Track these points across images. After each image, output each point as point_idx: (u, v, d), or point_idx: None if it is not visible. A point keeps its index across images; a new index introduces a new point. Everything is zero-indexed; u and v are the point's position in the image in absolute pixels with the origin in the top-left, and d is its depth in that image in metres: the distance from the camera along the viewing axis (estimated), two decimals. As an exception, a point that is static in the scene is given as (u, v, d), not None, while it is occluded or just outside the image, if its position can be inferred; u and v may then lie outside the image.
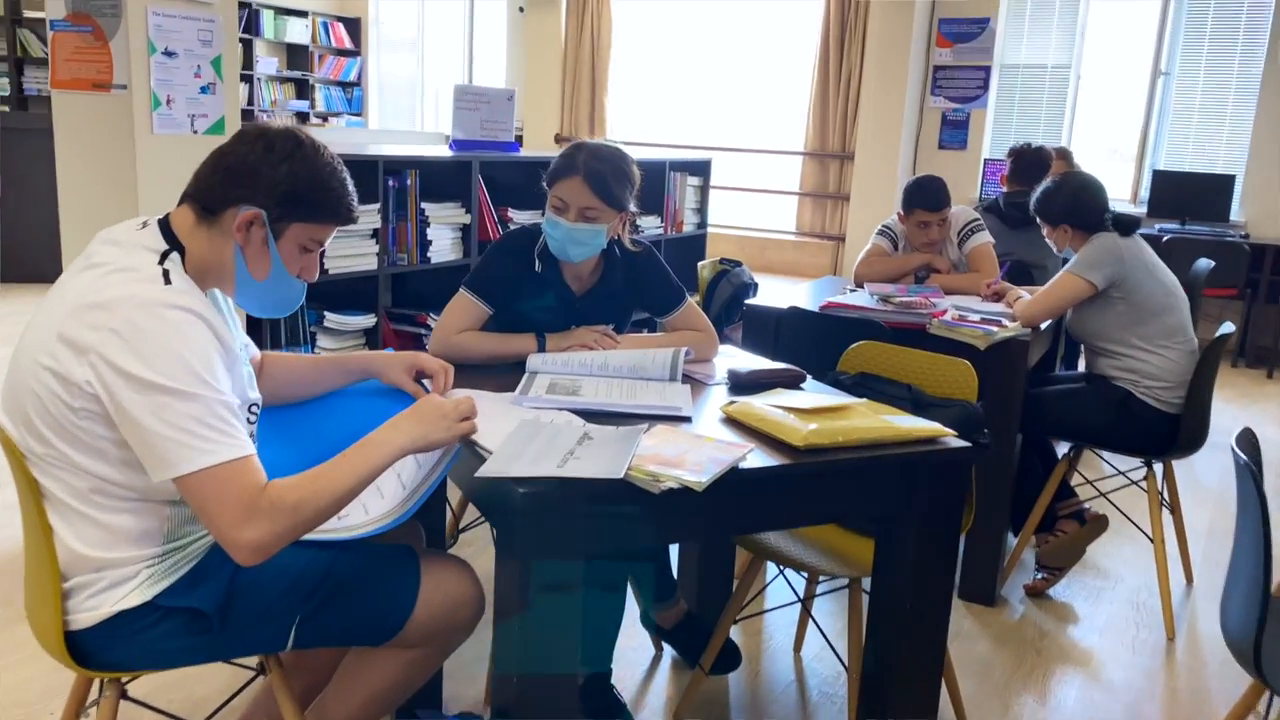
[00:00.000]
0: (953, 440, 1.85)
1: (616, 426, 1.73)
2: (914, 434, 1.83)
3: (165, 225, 1.54)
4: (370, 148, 3.86)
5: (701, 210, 5.20)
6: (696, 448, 1.67)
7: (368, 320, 3.35)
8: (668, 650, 2.62)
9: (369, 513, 1.67)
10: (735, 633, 2.70)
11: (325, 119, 10.62)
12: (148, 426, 1.37)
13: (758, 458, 1.70)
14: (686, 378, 2.17)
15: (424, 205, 3.51)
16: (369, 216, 3.26)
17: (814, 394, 2.06)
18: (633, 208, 2.24)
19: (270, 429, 1.89)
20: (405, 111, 11.36)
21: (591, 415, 1.87)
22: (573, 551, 1.56)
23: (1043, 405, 3.11)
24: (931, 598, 1.89)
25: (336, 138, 4.99)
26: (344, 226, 1.64)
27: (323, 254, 1.66)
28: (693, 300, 2.38)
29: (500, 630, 1.62)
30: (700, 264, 3.96)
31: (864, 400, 2.01)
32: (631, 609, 2.51)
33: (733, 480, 1.61)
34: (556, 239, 2.17)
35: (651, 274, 2.34)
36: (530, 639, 1.56)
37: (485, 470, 1.54)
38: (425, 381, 1.88)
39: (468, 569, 1.74)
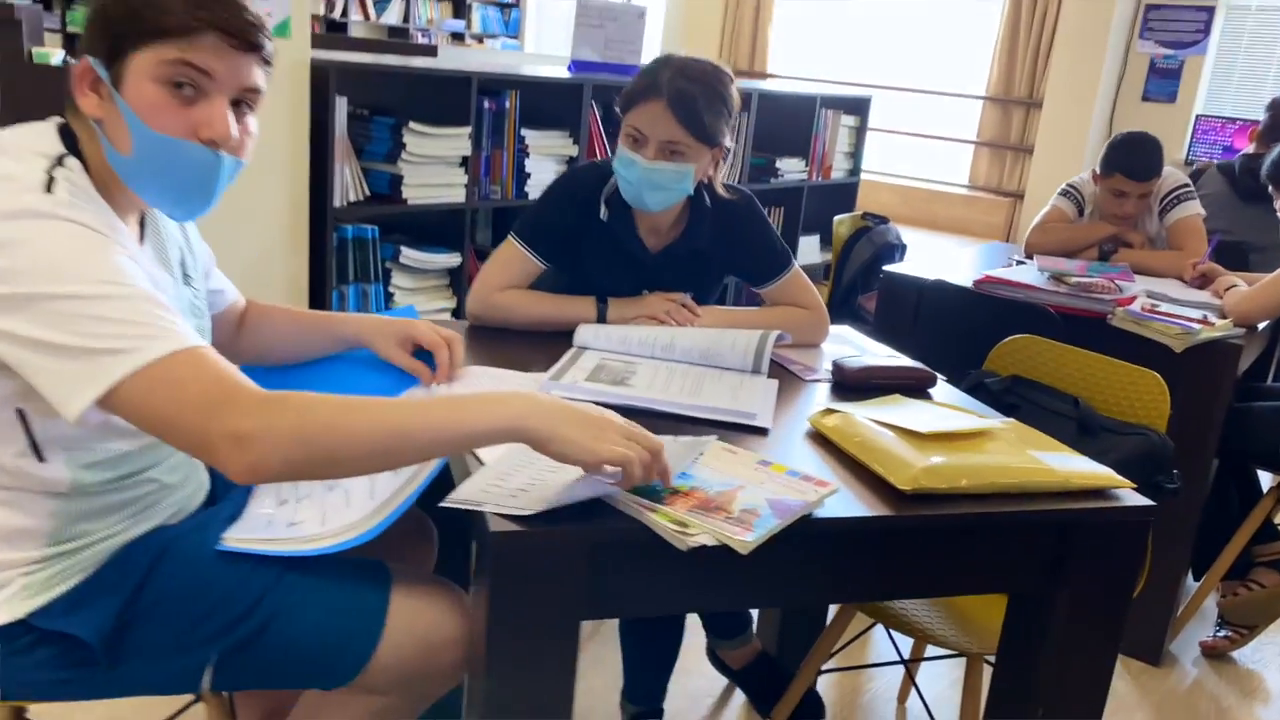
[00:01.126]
0: (1129, 495, 1.33)
1: (673, 436, 1.28)
2: (1073, 482, 1.31)
3: (67, 125, 1.18)
4: (470, 64, 3.47)
5: (855, 155, 4.62)
6: (757, 481, 1.21)
7: (452, 259, 2.98)
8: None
9: (326, 524, 1.29)
10: (823, 685, 2.24)
11: (481, 40, 10.37)
12: (51, 341, 1.02)
13: (843, 502, 1.23)
14: (777, 368, 1.70)
15: (524, 132, 3.11)
16: (456, 141, 2.88)
17: (943, 407, 1.55)
18: (728, 142, 1.76)
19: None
20: (565, 37, 10.98)
21: (637, 415, 1.43)
22: (564, 615, 1.13)
23: (1250, 424, 2.47)
24: (1078, 694, 1.38)
25: (450, 57, 4.60)
26: (199, 33, 1.13)
27: (247, 104, 1.20)
28: (799, 269, 1.88)
29: (470, 691, 1.23)
30: (837, 218, 3.42)
31: (1010, 422, 1.50)
32: (700, 636, 2.09)
33: (800, 535, 1.15)
34: (630, 181, 1.71)
35: (749, 231, 1.86)
36: (507, 707, 1.15)
37: (453, 498, 1.13)
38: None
39: (455, 598, 1.34)
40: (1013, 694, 1.44)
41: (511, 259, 1.79)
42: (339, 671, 1.28)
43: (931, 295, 2.53)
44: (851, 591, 1.43)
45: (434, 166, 2.86)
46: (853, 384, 1.64)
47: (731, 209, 1.84)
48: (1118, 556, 1.33)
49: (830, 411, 1.46)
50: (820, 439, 1.42)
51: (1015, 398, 1.84)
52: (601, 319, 1.77)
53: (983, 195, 8.16)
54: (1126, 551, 1.33)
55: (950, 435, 1.38)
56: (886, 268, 2.73)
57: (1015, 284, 2.48)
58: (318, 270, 2.70)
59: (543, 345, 1.69)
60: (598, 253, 1.83)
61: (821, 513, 1.19)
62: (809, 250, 4.50)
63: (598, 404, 1.44)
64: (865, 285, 3.24)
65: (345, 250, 2.75)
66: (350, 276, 2.77)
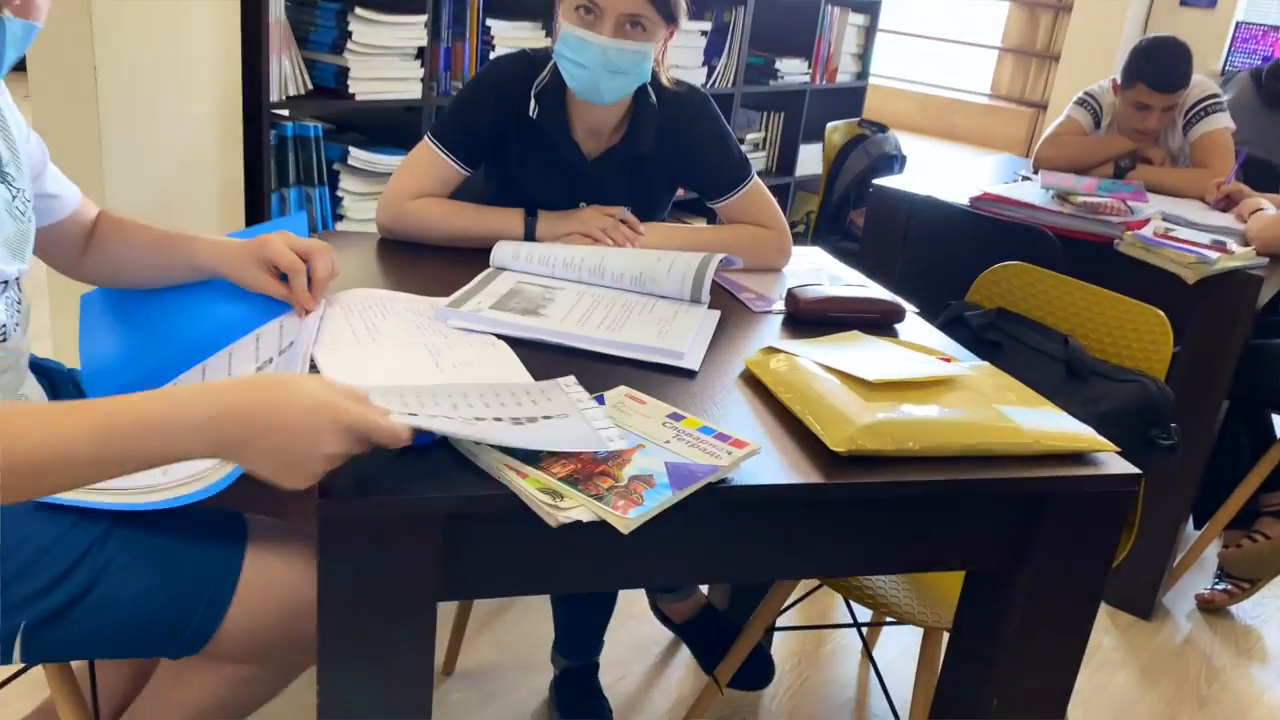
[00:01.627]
0: (1112, 460, 1.13)
1: (537, 382, 1.08)
2: (1044, 444, 1.11)
3: None
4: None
5: (864, 58, 4.30)
6: (661, 440, 1.01)
7: (407, 161, 2.74)
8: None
9: (169, 472, 1.11)
10: (779, 640, 2.08)
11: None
12: None
13: (766, 465, 1.03)
14: (725, 297, 1.49)
15: (490, 22, 2.83)
16: (410, 30, 2.61)
17: (906, 348, 1.34)
18: (683, 20, 1.51)
19: (102, 316, 1.35)
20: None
21: (546, 350, 1.22)
22: (414, 598, 0.95)
23: (1265, 363, 2.25)
24: (1038, 683, 1.20)
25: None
26: None
27: None
28: (759, 182, 1.65)
29: (322, 666, 1.06)
30: (830, 125, 3.14)
31: (984, 366, 1.29)
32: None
33: (708, 505, 0.96)
34: (584, 65, 1.46)
35: (701, 134, 1.62)
36: (360, 687, 0.98)
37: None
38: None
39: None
40: (967, 678, 1.26)
41: (426, 163, 1.57)
42: (182, 640, 1.11)
43: (922, 213, 2.29)
44: (771, 569, 1.24)
45: (385, 58, 2.60)
46: (806, 317, 1.43)
47: (681, 107, 1.60)
48: (1092, 532, 1.13)
49: (773, 351, 1.25)
50: (756, 385, 1.21)
51: (997, 334, 1.62)
52: (530, 235, 1.55)
53: (1005, 105, 7.76)
54: (1103, 526, 1.13)
55: (905, 384, 1.17)
56: (877, 181, 2.48)
57: (1014, 202, 2.23)
58: (254, 172, 2.47)
59: (460, 263, 1.48)
60: (526, 158, 1.60)
61: (738, 479, 0.99)
62: (810, 160, 4.22)
63: (502, 336, 1.24)
64: (858, 199, 2.99)
65: (285, 150, 2.52)
66: (291, 179, 2.55)
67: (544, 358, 1.21)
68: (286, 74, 2.45)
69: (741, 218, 1.64)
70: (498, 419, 0.97)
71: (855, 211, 2.96)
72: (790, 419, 1.13)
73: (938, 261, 2.21)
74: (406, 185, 1.56)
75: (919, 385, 1.18)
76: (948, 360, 1.29)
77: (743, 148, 1.67)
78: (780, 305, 1.48)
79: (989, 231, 2.19)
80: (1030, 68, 7.68)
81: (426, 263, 1.52)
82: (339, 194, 2.66)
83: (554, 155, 1.58)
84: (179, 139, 2.30)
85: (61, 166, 1.28)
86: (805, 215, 4.43)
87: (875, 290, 1.53)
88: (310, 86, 2.52)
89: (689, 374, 1.22)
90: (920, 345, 1.36)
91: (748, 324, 1.42)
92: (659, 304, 1.40)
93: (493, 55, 2.86)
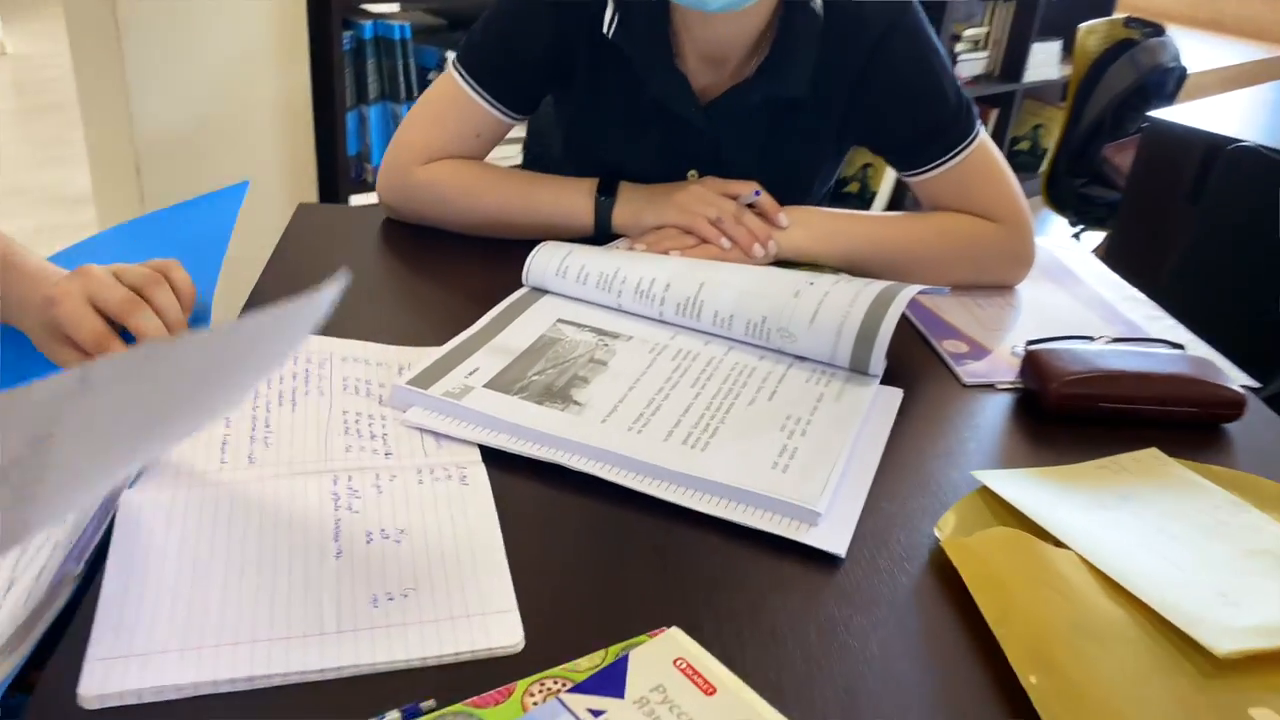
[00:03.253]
0: None
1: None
2: None
3: None
4: None
5: (1126, -70, 3.37)
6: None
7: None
8: None
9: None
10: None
11: None
12: None
13: None
14: (911, 342, 0.87)
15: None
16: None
17: (1269, 501, 0.70)
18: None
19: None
20: None
21: (561, 487, 0.67)
22: None
23: None
24: None
25: None
26: None
27: None
28: (987, 142, 0.99)
29: None
30: (1085, 26, 2.34)
31: None
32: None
33: None
34: None
35: (896, 65, 0.97)
36: None
37: None
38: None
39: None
40: None
41: (449, 105, 1.00)
42: None
43: (1229, 170, 1.54)
44: None
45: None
46: (1061, 407, 0.80)
47: (862, 21, 0.96)
48: None
49: (989, 504, 0.65)
50: (958, 590, 0.61)
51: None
52: (603, 224, 0.98)
53: (1293, -12, 6.37)
54: None
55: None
56: (1157, 114, 1.73)
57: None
58: (324, 86, 1.98)
59: (494, 272, 0.93)
60: (600, 99, 1.01)
61: None
62: (1044, 62, 3.38)
63: (491, 449, 0.69)
64: (1116, 127, 2.22)
65: (363, 56, 2.00)
66: (372, 94, 2.04)
67: (558, 497, 0.66)
68: (363, -42, 1.93)
69: (953, 201, 0.99)
70: None
71: (1113, 146, 2.19)
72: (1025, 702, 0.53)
73: (1250, 249, 1.48)
74: (418, 140, 1.01)
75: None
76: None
77: (959, 50, 1.02)
78: (1008, 373, 0.86)
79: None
80: (1332, -59, 6.24)
81: (434, 267, 0.97)
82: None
83: (644, 96, 0.98)
84: (223, 42, 1.82)
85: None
86: (1033, 131, 3.60)
87: (1179, 339, 0.87)
88: (395, -26, 1.99)
89: (829, 560, 0.63)
90: (1286, 491, 0.71)
91: (948, 410, 0.81)
92: (792, 373, 0.80)
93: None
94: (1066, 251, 1.12)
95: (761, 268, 0.91)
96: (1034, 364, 0.82)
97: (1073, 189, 2.21)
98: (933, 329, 0.92)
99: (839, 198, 3.24)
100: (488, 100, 0.99)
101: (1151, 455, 0.75)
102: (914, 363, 0.87)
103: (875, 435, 0.75)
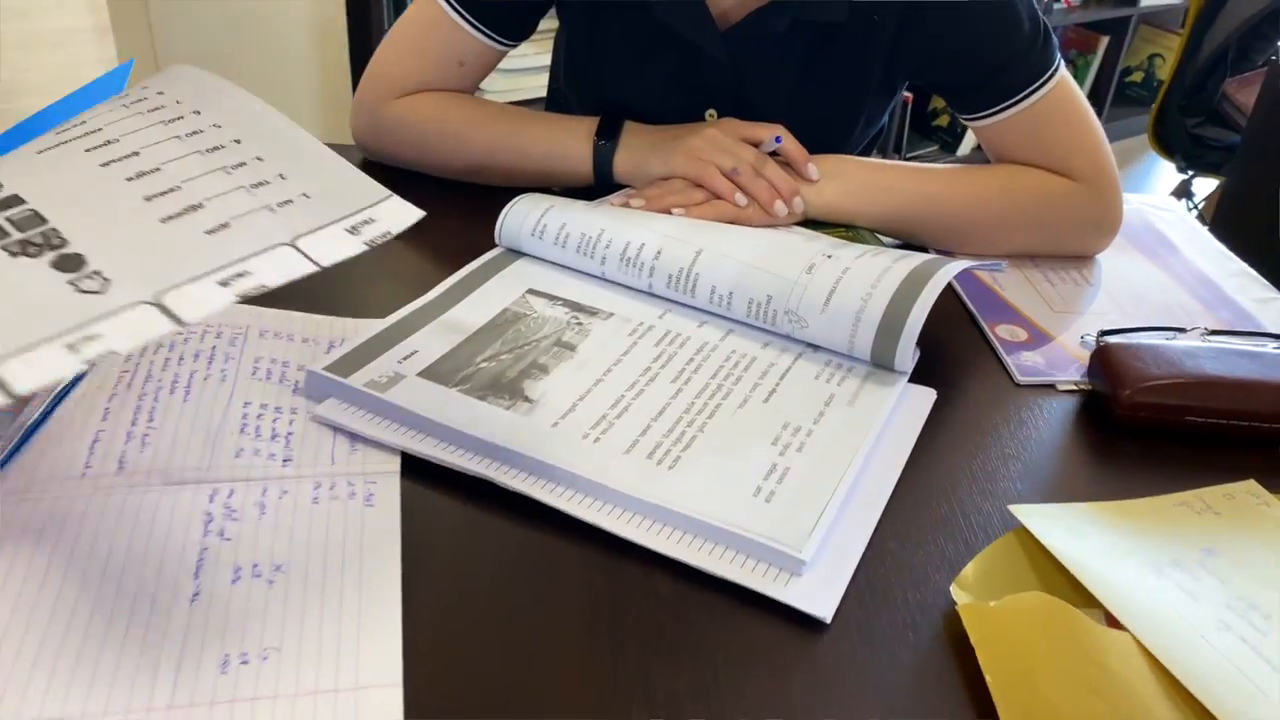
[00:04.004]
0: None
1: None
2: None
3: None
4: None
5: None
6: None
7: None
8: None
9: None
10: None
11: None
12: None
13: None
14: (956, 322, 0.72)
15: None
16: None
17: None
18: None
19: None
20: None
21: (500, 513, 0.54)
22: None
23: None
24: None
25: None
26: None
27: None
28: (1069, 82, 0.82)
29: None
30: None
31: None
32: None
33: None
34: None
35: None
36: None
37: None
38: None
39: None
40: None
41: (426, 28, 0.87)
42: None
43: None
44: None
45: None
46: (1132, 417, 0.64)
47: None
48: None
49: (1025, 548, 0.51)
50: (973, 664, 0.48)
51: None
52: (602, 173, 0.84)
53: None
54: None
55: None
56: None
57: None
58: (360, 3, 1.85)
59: (476, 227, 0.80)
60: (601, 23, 0.87)
61: None
62: (1163, -17, 3.06)
63: (416, 458, 0.57)
64: (1241, 59, 1.96)
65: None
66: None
67: (482, 522, 0.53)
68: None
69: (1023, 152, 0.83)
70: None
71: (1235, 80, 1.94)
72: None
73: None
74: (394, 71, 0.87)
75: None
76: None
77: None
78: (1074, 369, 0.70)
79: None
80: None
81: (430, 214, 0.84)
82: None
83: (652, 17, 0.83)
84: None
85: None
86: (1148, 61, 3.29)
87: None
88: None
89: (812, 624, 0.50)
90: None
91: (993, 416, 0.66)
92: (799, 366, 0.66)
93: None
94: (1162, 213, 0.94)
95: (777, 232, 0.76)
96: (1105, 361, 0.66)
97: (1184, 129, 1.96)
98: (985, 308, 0.76)
99: (928, 132, 3.00)
100: (470, 23, 0.85)
101: (1248, 491, 0.59)
102: (957, 351, 0.72)
103: (894, 451, 0.60)
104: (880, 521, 0.56)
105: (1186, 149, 1.99)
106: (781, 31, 0.81)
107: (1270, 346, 0.69)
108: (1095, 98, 3.26)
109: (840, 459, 0.58)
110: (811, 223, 0.82)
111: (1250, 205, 1.75)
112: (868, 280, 0.65)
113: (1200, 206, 2.18)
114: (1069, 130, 0.81)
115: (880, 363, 0.66)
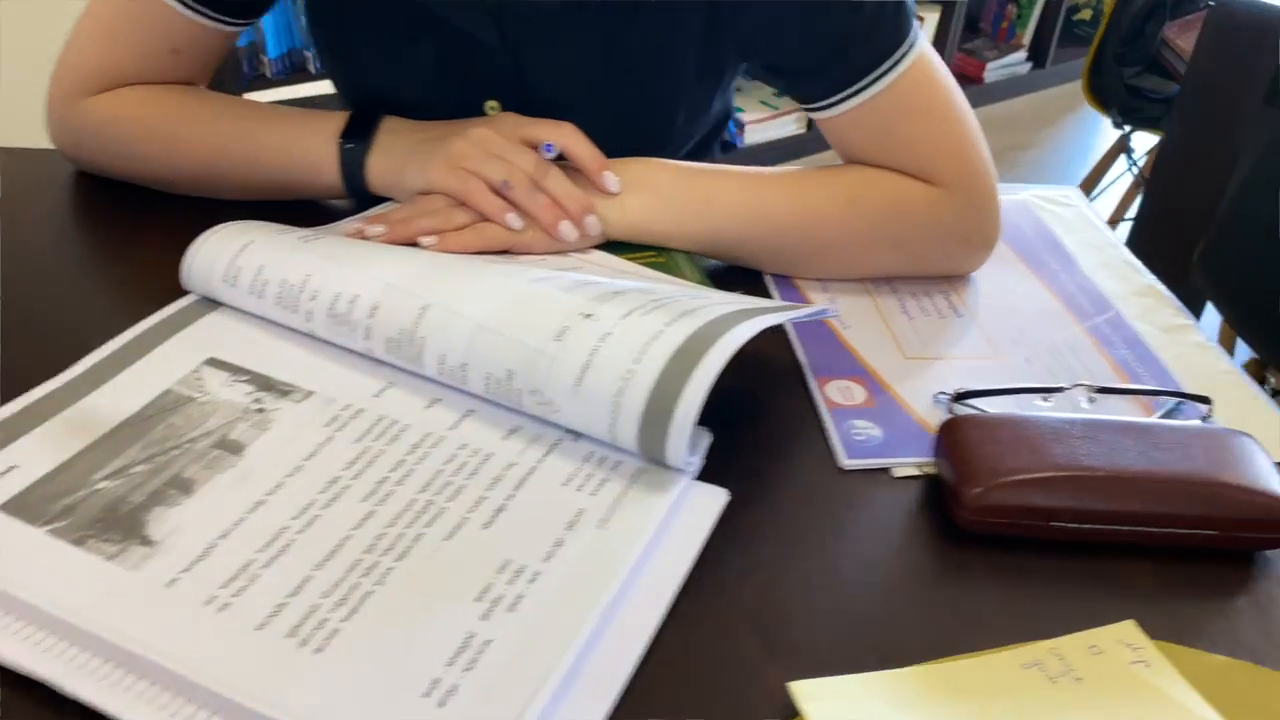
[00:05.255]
0: None
1: None
2: None
3: None
4: None
5: None
6: None
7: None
8: None
9: None
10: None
11: None
12: None
13: None
14: (771, 377, 0.56)
15: None
16: None
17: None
18: None
19: None
20: None
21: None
22: None
23: None
24: None
25: None
26: None
27: None
28: (930, 57, 0.65)
29: None
30: None
31: None
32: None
33: None
34: None
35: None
36: None
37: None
38: None
39: None
40: None
41: (123, 7, 0.68)
42: None
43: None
44: None
45: None
46: (979, 524, 0.48)
47: None
48: None
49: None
50: None
51: None
52: (354, 184, 0.66)
53: None
54: None
55: None
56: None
57: None
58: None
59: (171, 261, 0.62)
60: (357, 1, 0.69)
61: None
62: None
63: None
64: (1184, 1, 1.79)
65: None
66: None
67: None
68: None
69: (873, 150, 0.65)
70: None
71: (1174, 25, 1.77)
72: None
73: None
74: (88, 61, 0.69)
75: None
76: None
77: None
78: (919, 445, 0.54)
79: None
80: None
81: (146, 238, 0.67)
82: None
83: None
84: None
85: None
86: (1095, 5, 3.12)
87: (1218, 435, 0.54)
88: None
89: None
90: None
91: (803, 522, 0.50)
92: (548, 466, 0.49)
93: None
94: (1057, 209, 0.77)
95: (541, 273, 0.58)
96: (951, 444, 0.50)
97: (1120, 78, 1.79)
98: (817, 356, 0.60)
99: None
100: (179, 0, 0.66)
101: (1123, 640, 0.43)
102: (773, 423, 0.56)
103: (651, 596, 0.44)
104: (616, 707, 0.40)
105: (1123, 101, 1.83)
106: (556, 7, 0.63)
107: (1170, 415, 0.53)
108: (1040, 37, 3.08)
109: (567, 620, 0.42)
110: (617, 245, 0.65)
111: (1191, 162, 1.60)
112: (630, 351, 0.49)
113: (1141, 164, 2.03)
114: (929, 123, 0.64)
115: (653, 457, 0.49)
